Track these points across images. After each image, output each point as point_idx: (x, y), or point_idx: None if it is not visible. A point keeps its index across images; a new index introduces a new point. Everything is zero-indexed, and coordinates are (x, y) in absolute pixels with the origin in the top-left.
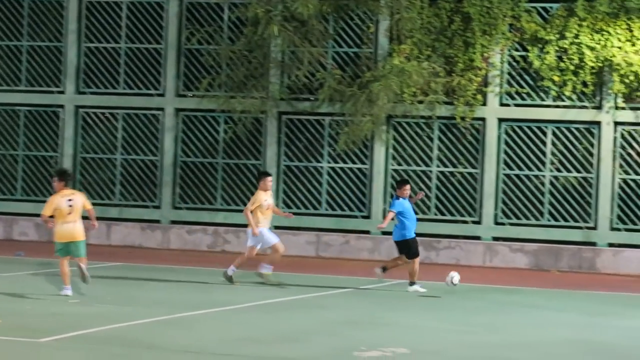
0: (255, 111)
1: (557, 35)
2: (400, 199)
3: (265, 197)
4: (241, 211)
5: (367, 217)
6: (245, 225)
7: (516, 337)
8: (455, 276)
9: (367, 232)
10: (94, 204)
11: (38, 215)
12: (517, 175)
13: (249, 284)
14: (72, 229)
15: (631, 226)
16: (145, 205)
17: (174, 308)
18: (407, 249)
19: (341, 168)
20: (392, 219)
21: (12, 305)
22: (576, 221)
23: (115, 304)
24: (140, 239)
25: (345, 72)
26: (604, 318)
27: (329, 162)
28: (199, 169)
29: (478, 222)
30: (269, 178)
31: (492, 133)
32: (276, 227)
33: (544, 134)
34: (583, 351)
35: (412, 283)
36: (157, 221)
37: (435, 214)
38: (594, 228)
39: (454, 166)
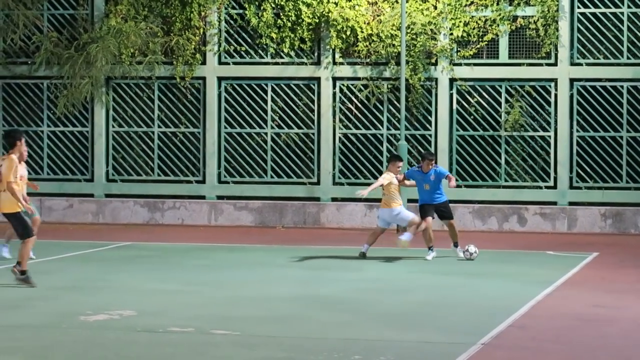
0: None
1: None
2: (416, 169)
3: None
4: None
5: (90, 180)
6: None
7: (241, 294)
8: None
9: (91, 195)
10: None
11: None
12: (239, 134)
13: None
14: None
15: (353, 180)
16: None
17: None
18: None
19: (62, 131)
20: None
21: None
22: (299, 177)
23: None
24: None
25: (62, 35)
26: (328, 272)
27: (49, 126)
28: None
29: (202, 182)
30: (400, 163)
31: (212, 92)
32: None
33: (264, 91)
34: (308, 304)
35: (429, 247)
36: None
37: (159, 175)
38: (317, 183)
39: (176, 126)
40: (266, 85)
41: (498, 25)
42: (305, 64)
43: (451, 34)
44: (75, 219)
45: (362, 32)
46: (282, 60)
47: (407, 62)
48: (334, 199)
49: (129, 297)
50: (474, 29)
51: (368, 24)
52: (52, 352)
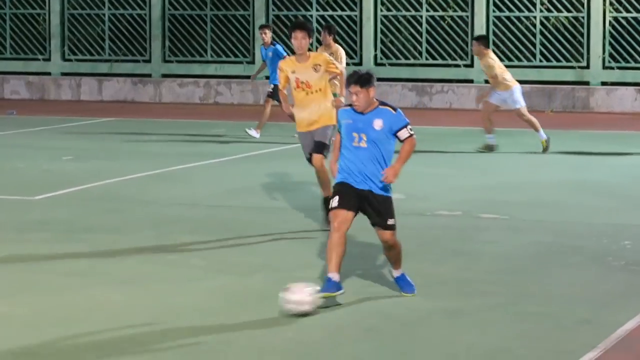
0: None
1: None
2: None
3: None
4: (232, 62)
5: (359, 64)
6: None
7: (509, 179)
8: None
9: None
10: (83, 61)
11: (29, 73)
12: (507, 17)
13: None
14: None
15: (624, 64)
16: (135, 60)
17: (166, 162)
18: None
19: (330, 15)
20: None
21: (5, 164)
22: (568, 61)
23: (108, 159)
24: (132, 93)
25: None
26: (598, 157)
27: (317, 10)
28: (187, 22)
29: (470, 66)
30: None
31: None
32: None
33: None
34: (576, 190)
35: None
36: (149, 75)
37: (427, 59)
38: (587, 67)
39: (444, 10)
40: None
41: None
42: None
43: None
44: None
45: None
46: None
47: None
48: (603, 83)
49: (397, 180)
50: None
51: None
52: None
